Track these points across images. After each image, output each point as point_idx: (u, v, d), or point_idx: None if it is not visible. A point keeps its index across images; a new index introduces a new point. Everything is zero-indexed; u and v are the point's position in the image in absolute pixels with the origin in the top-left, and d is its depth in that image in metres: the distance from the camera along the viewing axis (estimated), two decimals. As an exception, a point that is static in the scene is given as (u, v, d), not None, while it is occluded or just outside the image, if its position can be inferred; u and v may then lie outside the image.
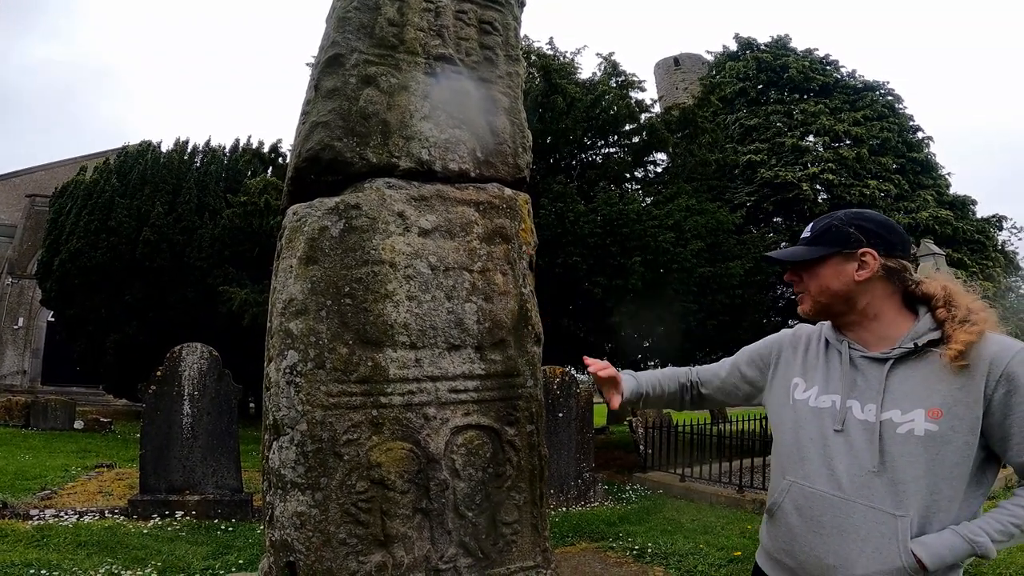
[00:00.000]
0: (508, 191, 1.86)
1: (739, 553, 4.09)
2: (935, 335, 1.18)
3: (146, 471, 5.14)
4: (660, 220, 7.69)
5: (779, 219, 12.20)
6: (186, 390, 5.48)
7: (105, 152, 16.25)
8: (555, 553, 4.28)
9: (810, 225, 1.35)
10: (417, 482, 1.56)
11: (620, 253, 7.59)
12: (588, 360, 1.46)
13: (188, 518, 4.78)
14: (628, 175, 9.60)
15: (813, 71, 12.77)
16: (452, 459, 1.60)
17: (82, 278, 12.50)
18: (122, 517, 4.68)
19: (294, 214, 1.68)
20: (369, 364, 1.57)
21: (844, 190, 11.27)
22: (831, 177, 11.14)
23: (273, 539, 1.52)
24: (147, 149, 12.98)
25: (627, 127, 9.00)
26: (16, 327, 23.49)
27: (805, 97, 12.75)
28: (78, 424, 10.79)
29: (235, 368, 5.96)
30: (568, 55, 9.44)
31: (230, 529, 4.62)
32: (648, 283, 7.71)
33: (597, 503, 6.26)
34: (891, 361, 1.20)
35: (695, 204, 8.17)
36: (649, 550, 4.31)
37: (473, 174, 1.82)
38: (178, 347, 5.64)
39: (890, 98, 13.20)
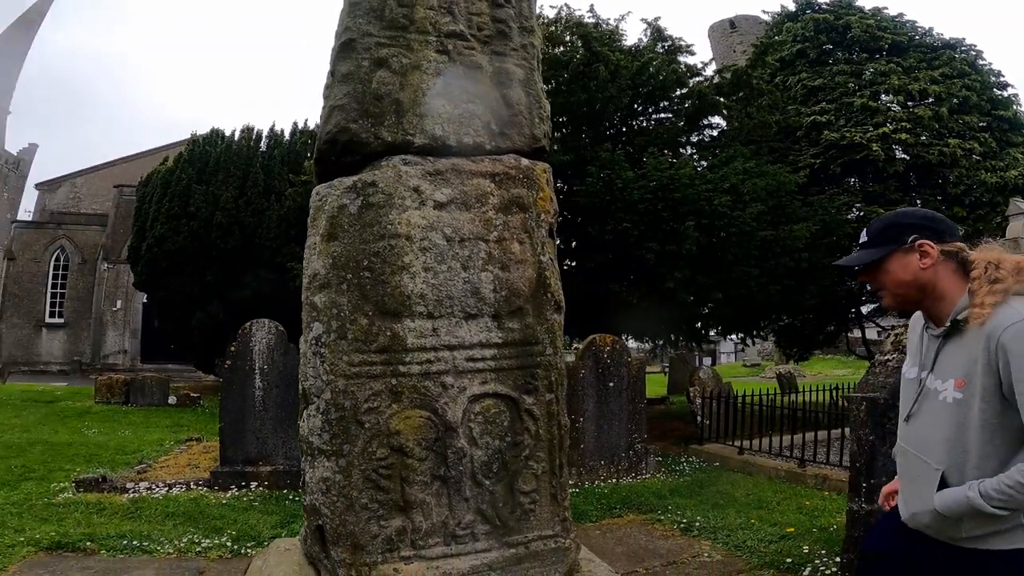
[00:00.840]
0: (525, 161, 1.85)
1: (792, 530, 3.96)
2: (964, 311, 1.34)
3: (225, 444, 5.56)
4: (715, 184, 7.36)
5: (852, 180, 11.44)
6: (257, 365, 5.86)
7: (182, 142, 17.29)
8: (602, 524, 4.29)
9: (864, 230, 1.53)
10: (435, 450, 1.62)
11: (672, 218, 7.37)
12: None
13: (261, 488, 5.15)
14: (683, 140, 9.23)
15: (882, 29, 11.82)
16: (470, 427, 1.65)
17: (167, 261, 13.50)
18: (205, 488, 5.10)
19: (316, 194, 1.75)
20: (388, 334, 1.63)
21: (922, 149, 10.47)
22: (906, 137, 10.34)
23: (305, 504, 1.63)
24: (217, 137, 13.71)
25: (676, 92, 8.62)
26: (115, 309, 25.87)
27: (876, 57, 11.83)
28: (171, 400, 11.71)
29: (299, 342, 6.28)
30: (611, 22, 9.10)
31: (296, 499, 4.95)
32: (704, 248, 7.46)
33: (649, 475, 6.23)
34: (941, 337, 1.41)
35: (753, 166, 7.75)
36: (697, 523, 4.27)
37: (489, 146, 1.82)
38: (248, 324, 6.02)
39: (972, 54, 12.07)
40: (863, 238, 1.51)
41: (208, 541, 3.78)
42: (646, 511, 4.79)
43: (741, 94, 8.82)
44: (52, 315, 29.52)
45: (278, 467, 5.50)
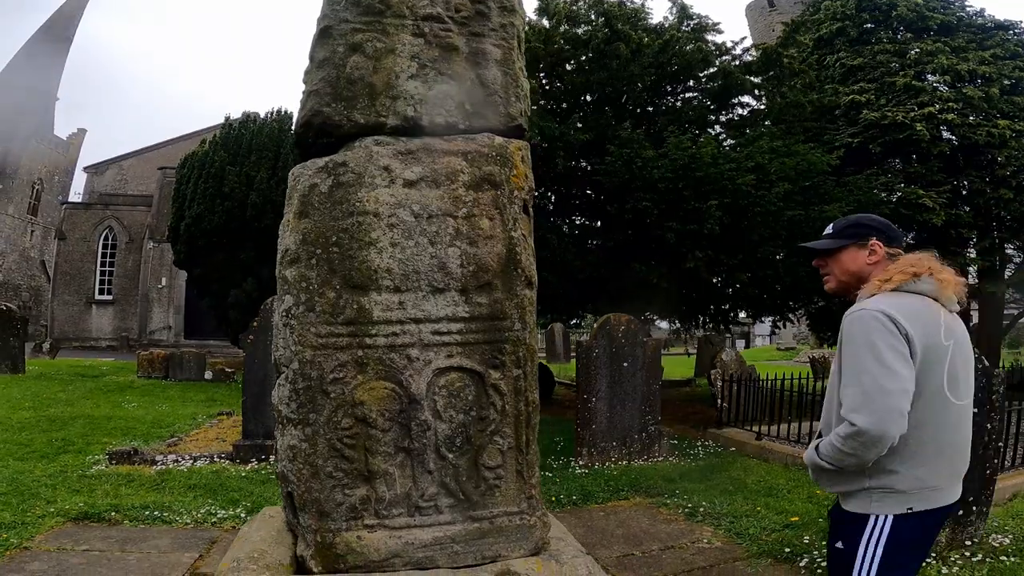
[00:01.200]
0: (499, 139, 1.84)
1: (796, 519, 3.90)
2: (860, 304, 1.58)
3: (247, 417, 5.74)
4: (739, 163, 7.14)
5: (894, 161, 10.96)
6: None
7: (218, 125, 17.74)
8: (607, 506, 4.30)
9: (831, 224, 1.77)
10: (399, 421, 1.66)
11: (694, 197, 7.21)
12: None
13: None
14: (711, 119, 8.98)
15: (930, 9, 11.20)
16: (434, 400, 1.68)
17: (204, 240, 13.98)
18: (227, 461, 5.31)
19: (292, 175, 1.79)
20: (354, 307, 1.66)
21: (969, 130, 9.97)
22: (953, 117, 9.84)
23: (277, 471, 1.69)
24: (249, 120, 14.03)
25: (703, 72, 8.37)
26: (160, 287, 26.99)
27: (923, 36, 11.26)
28: (208, 375, 12.17)
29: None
30: (637, 1, 8.87)
31: None
32: (727, 228, 7.28)
33: (661, 458, 6.20)
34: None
35: (781, 146, 7.48)
36: (703, 509, 4.24)
37: (462, 126, 1.82)
38: (270, 299, 6.18)
39: (1025, 37, 11.39)
40: (829, 230, 1.76)
41: (224, 512, 3.94)
42: (653, 495, 4.78)
43: (772, 73, 8.51)
44: (101, 292, 31.01)
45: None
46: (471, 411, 1.70)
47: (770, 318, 11.62)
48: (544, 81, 8.63)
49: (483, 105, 1.84)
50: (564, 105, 8.59)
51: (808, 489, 4.69)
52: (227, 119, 14.41)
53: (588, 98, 8.35)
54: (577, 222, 9.31)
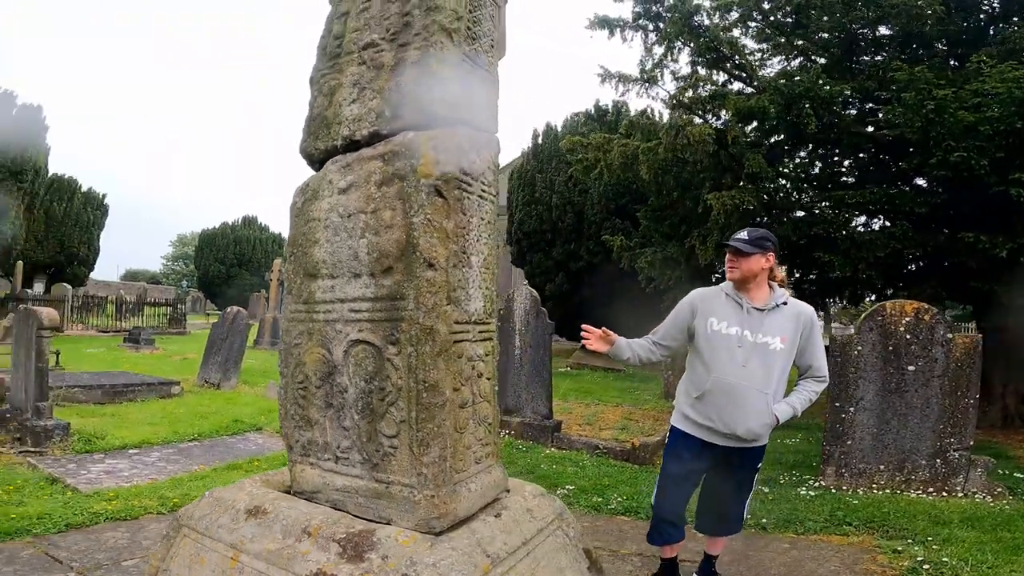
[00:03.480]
0: (411, 135, 2.00)
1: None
2: (785, 299, 2.45)
3: (501, 396, 6.85)
4: None
5: None
6: (517, 326, 6.96)
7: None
8: (807, 538, 3.65)
9: (745, 231, 2.50)
10: (328, 382, 2.06)
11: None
12: (586, 331, 2.57)
13: (508, 436, 6.19)
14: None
15: None
16: (347, 367, 2.01)
17: (526, 241, 16.46)
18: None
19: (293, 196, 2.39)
20: (308, 290, 2.15)
21: None
22: None
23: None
24: (550, 130, 15.84)
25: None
26: (524, 283, 32.47)
27: None
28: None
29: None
30: None
31: (523, 449, 5.79)
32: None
33: (962, 494, 4.56)
34: (767, 310, 2.41)
35: None
36: (934, 566, 3.06)
37: (385, 131, 2.06)
38: (511, 290, 7.18)
39: None
40: (744, 236, 2.46)
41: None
42: (890, 536, 3.67)
43: None
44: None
45: (525, 419, 6.45)
46: (372, 381, 1.95)
47: None
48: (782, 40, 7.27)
49: (400, 107, 2.04)
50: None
51: None
52: (534, 132, 16.54)
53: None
54: (851, 187, 7.50)
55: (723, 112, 7.48)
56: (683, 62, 8.01)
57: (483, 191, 2.16)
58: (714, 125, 7.63)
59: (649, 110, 8.89)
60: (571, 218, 14.88)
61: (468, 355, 2.03)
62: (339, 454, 2.02)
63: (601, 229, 13.90)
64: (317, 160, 2.25)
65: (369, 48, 2.09)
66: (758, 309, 2.40)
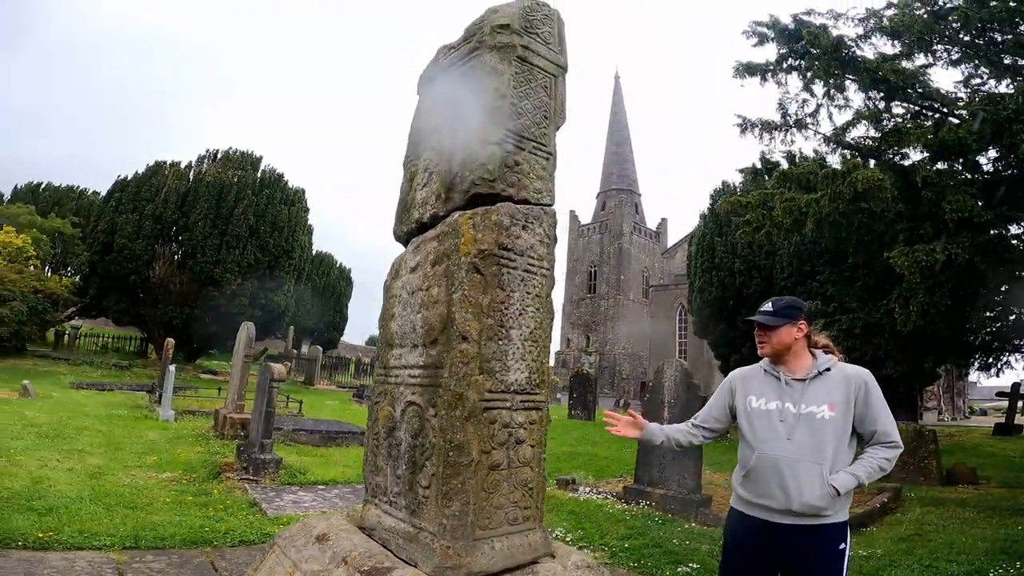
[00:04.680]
0: (455, 216, 2.30)
1: None
2: (829, 364, 2.28)
3: (638, 465, 6.58)
4: None
5: None
6: (665, 397, 6.65)
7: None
8: None
9: (770, 303, 2.37)
10: (392, 436, 2.38)
11: None
12: (610, 417, 2.55)
13: (648, 507, 5.86)
14: None
15: None
16: (403, 424, 2.31)
17: (707, 310, 15.59)
18: (613, 498, 6.26)
19: (390, 272, 2.87)
20: (385, 357, 2.55)
21: None
22: None
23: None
24: (725, 188, 15.08)
25: None
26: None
27: None
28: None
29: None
30: None
31: (659, 522, 5.40)
32: None
33: None
34: (809, 379, 2.26)
35: None
36: None
37: (441, 213, 2.42)
38: (662, 362, 6.93)
39: None
40: (769, 307, 2.34)
41: (564, 534, 4.93)
42: None
43: None
44: (681, 358, 37.59)
45: (668, 492, 6.03)
46: (416, 437, 2.20)
47: None
48: None
49: (450, 190, 2.39)
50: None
51: None
52: (711, 193, 15.88)
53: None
54: None
55: (907, 150, 6.43)
56: (841, 99, 7.16)
57: (530, 265, 2.34)
58: (898, 163, 6.57)
59: (799, 156, 7.90)
60: (758, 284, 13.76)
61: (503, 422, 2.17)
62: (392, 498, 2.30)
63: (795, 295, 12.56)
64: (402, 242, 2.69)
65: (436, 133, 2.49)
66: (799, 380, 2.30)
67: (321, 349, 27.57)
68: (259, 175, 22.49)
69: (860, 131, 6.92)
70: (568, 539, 4.76)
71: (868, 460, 2.19)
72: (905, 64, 6.54)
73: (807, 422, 2.19)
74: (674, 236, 50.63)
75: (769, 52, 8.16)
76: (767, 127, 7.48)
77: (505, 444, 2.17)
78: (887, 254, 6.46)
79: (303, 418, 11.65)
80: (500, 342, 2.19)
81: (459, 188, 2.33)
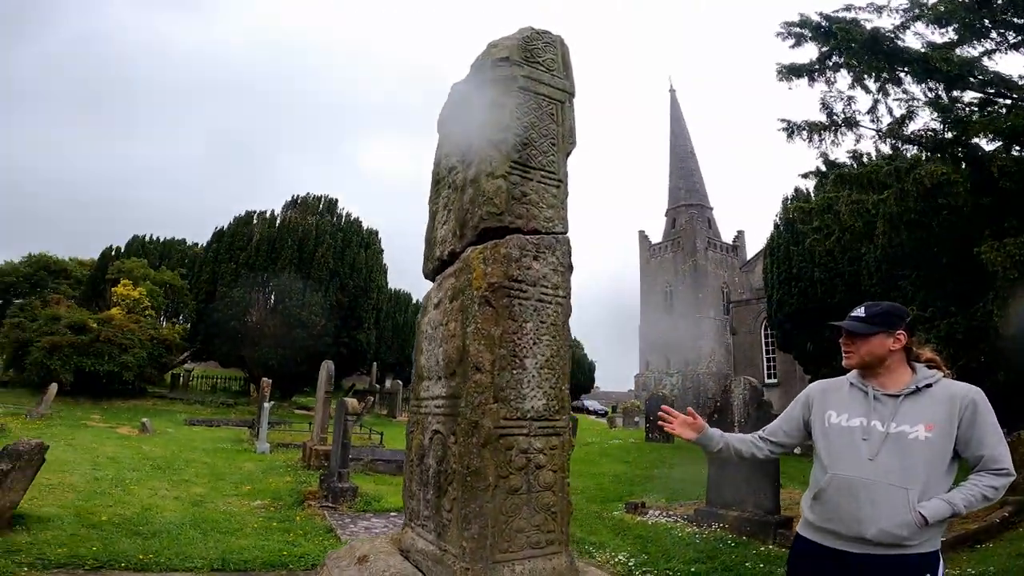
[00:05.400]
0: (468, 252, 2.42)
1: None
2: (931, 380, 2.00)
3: (710, 487, 6.33)
4: None
5: None
6: (736, 417, 6.40)
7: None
8: None
9: (862, 308, 2.13)
10: (422, 463, 2.53)
11: None
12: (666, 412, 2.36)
13: (719, 530, 5.62)
14: None
15: None
16: (430, 451, 2.46)
17: (788, 324, 14.78)
18: (684, 521, 6.06)
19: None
20: (417, 389, 2.73)
21: None
22: None
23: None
24: (799, 195, 14.33)
25: None
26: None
27: None
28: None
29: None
30: None
31: (732, 544, 5.16)
32: None
33: None
34: (904, 396, 2.00)
35: None
36: None
37: (458, 249, 2.56)
38: (729, 380, 6.68)
39: None
40: (861, 312, 2.09)
41: (627, 559, 4.85)
42: None
43: None
44: (769, 376, 35.57)
45: (743, 514, 5.75)
46: (441, 463, 2.33)
47: None
48: None
49: (464, 227, 2.52)
50: None
51: None
52: (784, 200, 15.18)
53: None
54: None
55: (977, 139, 5.90)
56: (899, 92, 6.66)
57: (543, 295, 2.43)
58: (969, 154, 6.03)
59: (862, 156, 7.33)
60: (843, 292, 12.91)
61: (520, 447, 2.26)
62: (422, 521, 2.45)
63: (885, 298, 11.67)
64: (429, 279, 2.88)
65: (452, 171, 2.66)
66: (891, 395, 2.03)
67: (402, 384, 28.64)
68: (335, 219, 24.05)
69: (919, 124, 6.45)
70: (631, 564, 4.68)
71: (970, 487, 1.94)
72: (959, 52, 6.07)
73: (896, 442, 1.96)
74: (753, 248, 48.39)
75: (809, 52, 7.82)
76: (815, 128, 7.13)
77: (524, 469, 2.25)
78: (976, 249, 5.95)
79: (382, 448, 12.15)
80: (514, 371, 2.29)
81: (470, 224, 2.46)
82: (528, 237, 2.41)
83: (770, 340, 36.22)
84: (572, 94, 2.62)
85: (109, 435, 12.02)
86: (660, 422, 2.38)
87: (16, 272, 33.62)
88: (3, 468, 4.55)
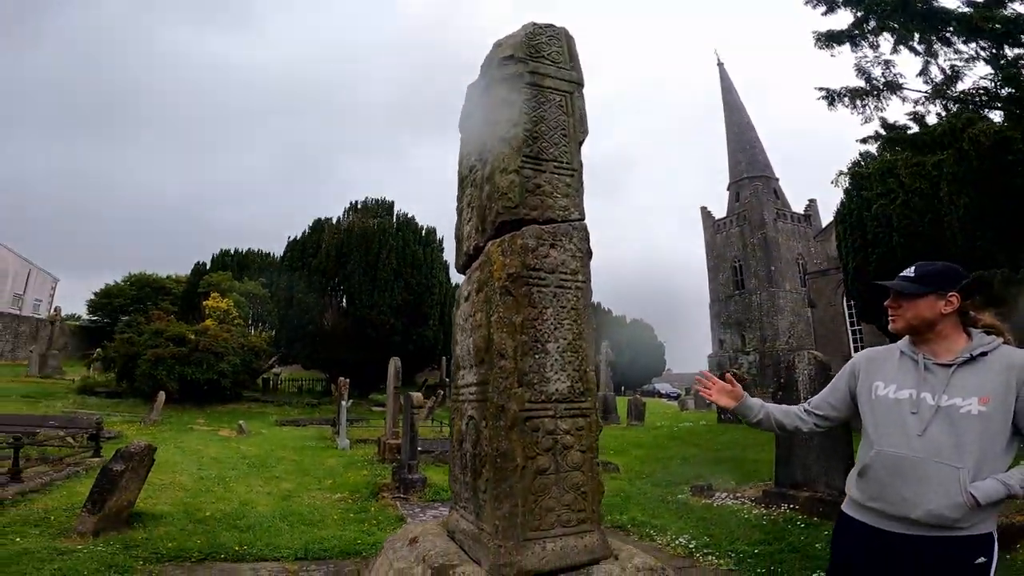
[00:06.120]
0: (489, 245, 2.53)
1: None
2: (988, 347, 1.84)
3: (778, 466, 6.14)
4: None
5: None
6: (801, 394, 6.16)
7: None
8: None
9: (913, 267, 1.98)
10: (461, 448, 2.68)
11: None
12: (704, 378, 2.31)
13: (791, 511, 5.46)
14: None
15: None
16: (467, 436, 2.61)
17: (868, 293, 13.88)
18: (751, 503, 5.92)
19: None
20: (455, 379, 2.89)
21: None
22: None
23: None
24: (865, 157, 13.38)
25: None
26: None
27: None
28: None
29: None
30: None
31: (801, 525, 5.01)
32: None
33: None
34: (956, 365, 1.85)
35: None
36: None
37: (481, 244, 2.68)
38: (793, 356, 6.43)
39: None
40: (912, 273, 1.95)
41: (688, 541, 4.83)
42: None
43: None
44: (856, 349, 33.48)
45: (815, 494, 5.55)
46: (476, 447, 2.47)
47: None
48: None
49: (483, 223, 2.65)
50: None
51: None
52: (850, 164, 14.23)
53: None
54: None
55: None
56: (950, 53, 6.07)
57: (563, 281, 2.52)
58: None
59: (917, 120, 6.72)
60: (926, 256, 11.98)
61: (547, 429, 2.37)
62: (464, 503, 2.60)
63: (972, 264, 10.77)
64: (461, 274, 3.03)
65: (473, 170, 2.79)
66: (943, 365, 1.86)
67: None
68: (394, 219, 24.88)
69: (967, 84, 5.90)
70: (692, 546, 4.66)
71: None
72: (1002, 11, 5.50)
73: (946, 416, 1.81)
74: (827, 216, 45.53)
75: (843, 18, 7.30)
76: (856, 94, 6.67)
77: (551, 450, 2.36)
78: None
79: (454, 440, 12.57)
80: (537, 356, 2.40)
81: (489, 219, 2.58)
82: (544, 227, 2.50)
83: (852, 311, 34.07)
84: (580, 84, 2.67)
85: (212, 437, 13.15)
86: (696, 388, 2.32)
87: (123, 292, 37.24)
88: (118, 469, 5.14)
